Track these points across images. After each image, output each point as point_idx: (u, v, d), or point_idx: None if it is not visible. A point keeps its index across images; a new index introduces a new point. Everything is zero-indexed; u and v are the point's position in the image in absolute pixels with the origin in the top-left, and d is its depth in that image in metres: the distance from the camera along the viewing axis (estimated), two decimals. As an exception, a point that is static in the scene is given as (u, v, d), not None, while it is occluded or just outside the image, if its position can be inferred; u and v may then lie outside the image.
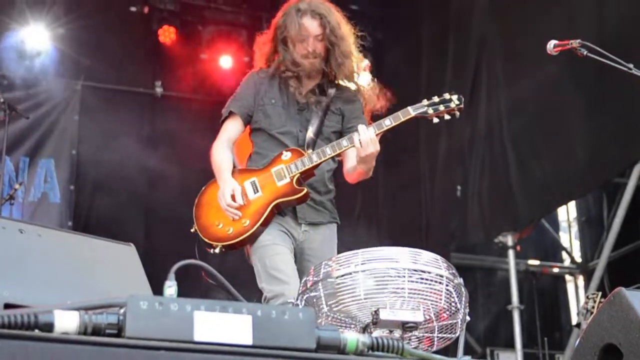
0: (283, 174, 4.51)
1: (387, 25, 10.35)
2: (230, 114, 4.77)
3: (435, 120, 4.49)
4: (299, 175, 4.49)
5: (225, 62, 10.08)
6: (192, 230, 4.56)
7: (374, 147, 4.32)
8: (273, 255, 4.46)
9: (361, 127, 4.36)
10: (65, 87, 9.58)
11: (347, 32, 4.80)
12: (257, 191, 4.53)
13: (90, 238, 3.13)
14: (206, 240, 4.49)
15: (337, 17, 4.78)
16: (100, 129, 9.72)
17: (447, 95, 4.49)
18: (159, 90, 10.03)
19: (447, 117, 4.49)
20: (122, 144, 9.78)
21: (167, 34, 9.92)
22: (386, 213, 10.33)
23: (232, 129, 4.78)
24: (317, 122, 4.69)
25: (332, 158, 4.61)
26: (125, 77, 9.91)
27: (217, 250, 4.44)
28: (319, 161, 4.48)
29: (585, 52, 4.31)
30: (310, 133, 4.66)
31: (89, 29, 9.42)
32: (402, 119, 4.40)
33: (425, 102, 4.48)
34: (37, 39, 9.31)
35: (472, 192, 8.90)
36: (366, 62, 4.99)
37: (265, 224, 4.47)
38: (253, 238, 4.47)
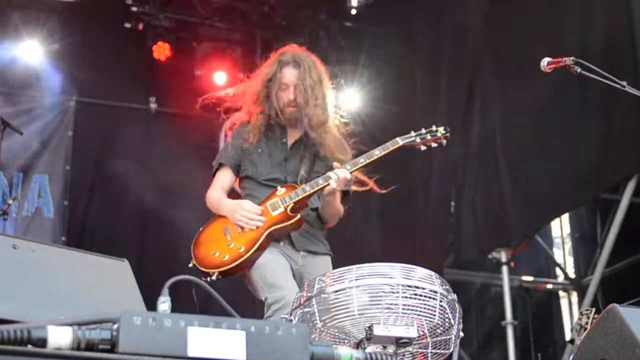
0: (277, 205, 4.66)
1: (381, 43, 10.38)
2: (221, 165, 4.96)
3: (423, 148, 4.74)
4: (292, 205, 4.64)
5: (220, 78, 10.08)
6: (190, 265, 4.63)
7: (347, 184, 4.66)
8: (273, 270, 4.57)
9: (353, 161, 4.66)
10: (60, 102, 9.58)
11: (322, 81, 4.97)
12: None
13: (84, 253, 3.13)
14: (203, 270, 4.55)
15: (313, 68, 4.97)
16: (94, 145, 9.72)
17: (434, 127, 4.74)
18: (153, 106, 10.03)
19: (434, 145, 4.74)
20: (116, 159, 9.77)
21: (161, 50, 9.92)
22: (380, 229, 10.32)
23: (224, 178, 4.95)
24: (306, 169, 4.86)
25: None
26: (119, 93, 9.90)
27: (213, 278, 4.49)
28: (311, 191, 4.63)
29: (578, 70, 4.32)
30: (300, 177, 4.82)
31: (83, 44, 9.42)
32: (391, 149, 4.64)
33: (413, 133, 4.72)
34: (32, 54, 9.31)
35: (465, 209, 8.91)
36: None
37: (261, 249, 4.59)
38: (249, 263, 4.57)
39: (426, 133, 4.73)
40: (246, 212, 4.63)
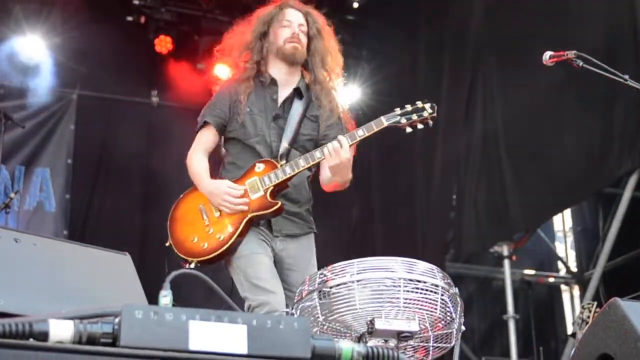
0: (257, 186, 4.43)
1: (383, 37, 10.37)
2: (205, 123, 4.69)
3: (409, 129, 4.40)
4: (272, 188, 4.42)
5: (222, 71, 10.07)
6: (167, 244, 4.51)
7: (344, 156, 4.24)
8: (254, 265, 4.41)
9: (339, 138, 4.29)
10: (62, 96, 9.58)
11: (329, 33, 4.82)
12: None
13: (85, 247, 3.13)
14: (181, 255, 4.43)
15: (321, 19, 4.81)
16: (96, 139, 9.72)
17: (419, 104, 4.42)
18: (155, 99, 10.04)
19: (420, 126, 4.41)
20: (118, 153, 9.78)
21: (163, 44, 9.91)
22: (382, 223, 10.33)
23: (207, 138, 4.70)
24: (292, 131, 4.60)
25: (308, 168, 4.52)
26: (121, 87, 9.90)
27: (192, 266, 4.34)
28: (292, 174, 4.41)
29: (581, 63, 4.31)
30: (284, 142, 4.57)
31: (85, 38, 9.41)
32: (375, 129, 4.34)
33: (398, 110, 4.39)
34: (34, 48, 9.30)
35: (467, 203, 8.92)
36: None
37: (241, 236, 4.40)
38: (230, 252, 4.40)
39: (412, 111, 4.38)
40: (229, 197, 4.40)
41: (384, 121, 4.35)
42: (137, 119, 9.99)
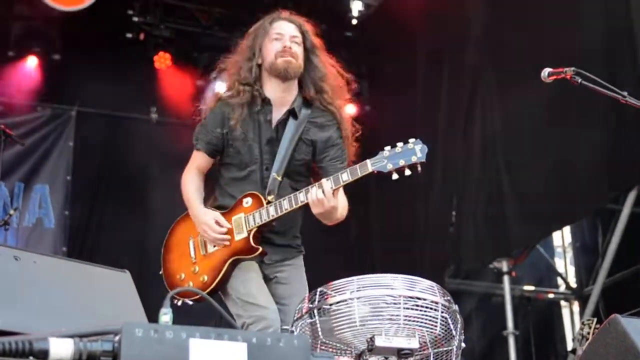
0: (241, 226, 4.42)
1: (382, 47, 10.40)
2: (198, 149, 4.68)
3: (395, 176, 4.12)
4: (256, 229, 4.40)
5: (221, 88, 10.08)
6: (160, 272, 4.60)
7: (327, 204, 4.15)
8: (245, 282, 4.42)
9: (322, 182, 4.18)
10: (61, 113, 9.60)
11: (322, 46, 4.67)
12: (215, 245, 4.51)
13: (85, 265, 3.13)
14: (169, 289, 4.51)
15: (314, 31, 4.67)
16: (95, 155, 9.73)
17: (410, 145, 4.12)
18: (154, 116, 10.05)
19: (407, 172, 4.14)
20: (117, 169, 9.79)
21: (162, 60, 9.94)
22: (381, 239, 10.32)
23: (201, 160, 4.69)
24: (285, 156, 4.50)
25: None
26: (120, 103, 9.92)
27: (179, 304, 4.34)
28: (275, 216, 4.34)
29: (579, 80, 4.32)
30: (275, 172, 4.49)
31: (84, 55, 9.44)
32: (360, 175, 4.14)
33: (386, 152, 4.11)
34: (33, 65, 9.32)
35: (467, 218, 8.91)
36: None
37: (224, 277, 4.42)
38: (214, 292, 4.42)
39: (401, 153, 4.09)
40: (214, 232, 4.42)
41: (369, 166, 4.12)
42: (136, 136, 10.00)
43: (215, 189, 4.75)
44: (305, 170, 4.61)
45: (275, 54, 4.48)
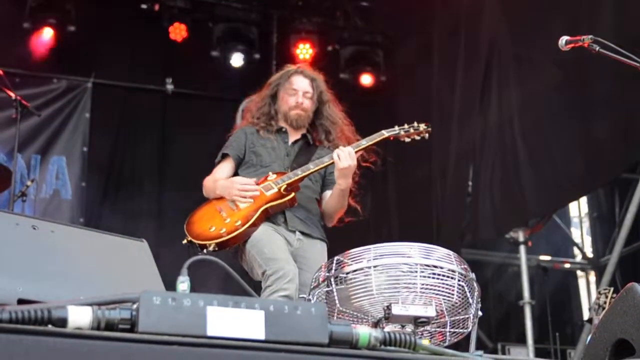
0: (271, 187, 4.81)
1: (398, 21, 10.34)
2: (224, 156, 5.13)
3: (407, 140, 5.11)
4: (285, 186, 4.81)
5: (236, 59, 10.08)
6: (184, 242, 4.68)
7: (352, 161, 4.71)
8: (270, 244, 4.69)
9: (341, 146, 4.83)
10: (77, 84, 9.61)
11: (333, 99, 5.30)
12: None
13: (102, 234, 3.14)
14: (199, 242, 4.62)
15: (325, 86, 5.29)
16: (111, 126, 9.75)
17: (415, 123, 5.11)
18: (169, 87, 10.04)
19: (417, 137, 5.13)
20: (133, 140, 9.82)
21: (177, 31, 9.91)
22: (397, 209, 10.32)
23: (223, 170, 5.08)
24: (301, 164, 4.98)
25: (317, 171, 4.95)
26: (136, 75, 9.93)
27: (210, 249, 4.56)
28: (302, 174, 4.84)
29: (597, 48, 4.29)
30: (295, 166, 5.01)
31: (100, 26, 9.44)
32: (377, 139, 4.96)
33: (396, 128, 5.05)
34: (48, 36, 9.32)
35: (483, 189, 8.89)
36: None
37: (255, 225, 4.70)
38: (245, 236, 4.68)
39: (409, 127, 5.08)
40: (241, 186, 4.78)
41: (385, 132, 5.01)
42: (152, 107, 10.02)
43: None
44: (315, 179, 5.10)
45: (290, 107, 5.17)
